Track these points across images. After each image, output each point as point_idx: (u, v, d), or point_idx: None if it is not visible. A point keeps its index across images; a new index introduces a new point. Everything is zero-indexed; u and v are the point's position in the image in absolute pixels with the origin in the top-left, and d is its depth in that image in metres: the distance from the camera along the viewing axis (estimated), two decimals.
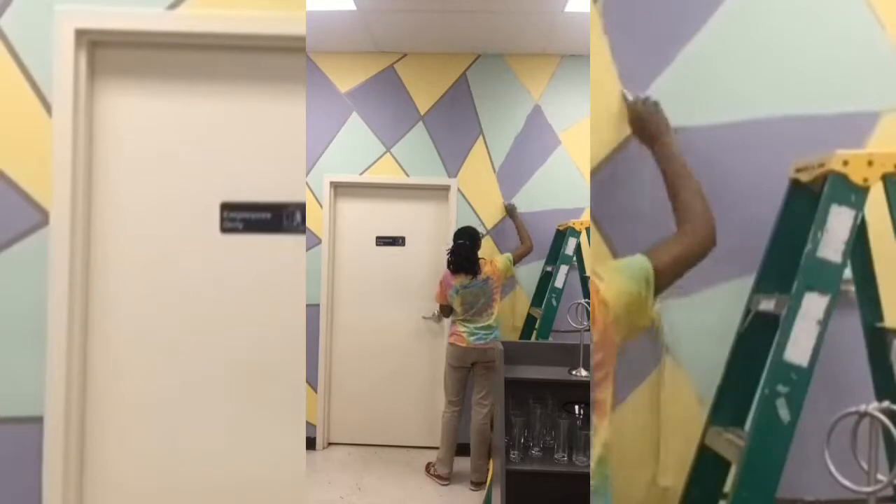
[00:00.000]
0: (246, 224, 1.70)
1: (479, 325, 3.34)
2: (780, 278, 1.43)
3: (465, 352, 3.36)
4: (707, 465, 1.47)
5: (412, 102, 3.93)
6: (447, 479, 3.44)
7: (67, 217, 1.62)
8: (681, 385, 1.59)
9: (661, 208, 1.59)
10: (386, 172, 3.94)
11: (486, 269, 3.37)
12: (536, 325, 3.43)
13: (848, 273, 1.45)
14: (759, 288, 1.46)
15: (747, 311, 1.47)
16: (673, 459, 1.57)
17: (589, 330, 2.03)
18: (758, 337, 1.45)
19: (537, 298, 3.74)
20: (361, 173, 3.95)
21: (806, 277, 1.25)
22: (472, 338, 3.34)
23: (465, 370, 3.42)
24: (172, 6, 1.64)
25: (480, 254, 3.46)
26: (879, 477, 1.19)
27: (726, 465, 1.43)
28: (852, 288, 1.48)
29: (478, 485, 3.39)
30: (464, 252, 3.36)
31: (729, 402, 1.47)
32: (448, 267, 3.41)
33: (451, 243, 3.47)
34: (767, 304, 1.39)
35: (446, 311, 3.53)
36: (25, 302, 1.62)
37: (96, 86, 1.69)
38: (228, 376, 1.69)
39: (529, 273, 3.89)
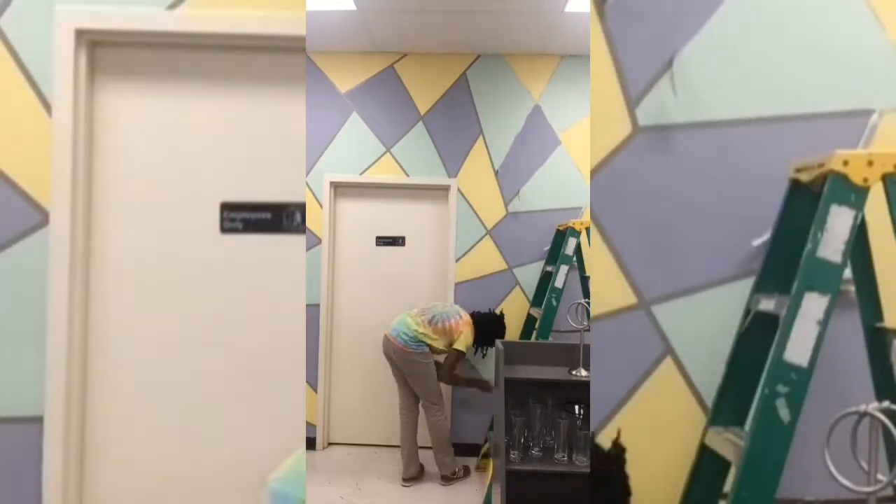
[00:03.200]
0: (246, 224, 1.70)
1: (410, 325, 3.31)
2: (780, 278, 1.43)
3: (384, 340, 3.41)
4: (707, 465, 1.47)
5: (412, 102, 3.93)
6: (407, 480, 3.44)
7: (67, 217, 1.62)
8: (681, 385, 1.59)
9: (660, 208, 1.59)
10: (386, 172, 3.94)
11: (464, 321, 3.35)
12: (536, 325, 3.43)
13: (848, 273, 1.45)
14: (760, 288, 1.46)
15: (747, 311, 1.47)
16: (673, 460, 1.57)
17: (589, 330, 2.03)
18: (758, 337, 1.45)
19: (537, 298, 3.75)
20: (361, 173, 3.95)
21: (806, 277, 1.25)
22: (392, 330, 3.36)
23: (395, 365, 3.41)
24: (172, 6, 1.64)
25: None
26: (879, 477, 1.19)
27: (726, 465, 1.43)
28: (852, 288, 1.48)
29: (446, 479, 3.41)
30: (488, 325, 3.44)
31: (729, 402, 1.47)
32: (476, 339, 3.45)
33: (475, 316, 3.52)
34: (767, 304, 1.39)
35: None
36: (25, 301, 1.62)
37: (96, 86, 1.69)
38: (228, 376, 1.69)
39: (529, 273, 3.89)
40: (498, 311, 3.72)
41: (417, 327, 3.31)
